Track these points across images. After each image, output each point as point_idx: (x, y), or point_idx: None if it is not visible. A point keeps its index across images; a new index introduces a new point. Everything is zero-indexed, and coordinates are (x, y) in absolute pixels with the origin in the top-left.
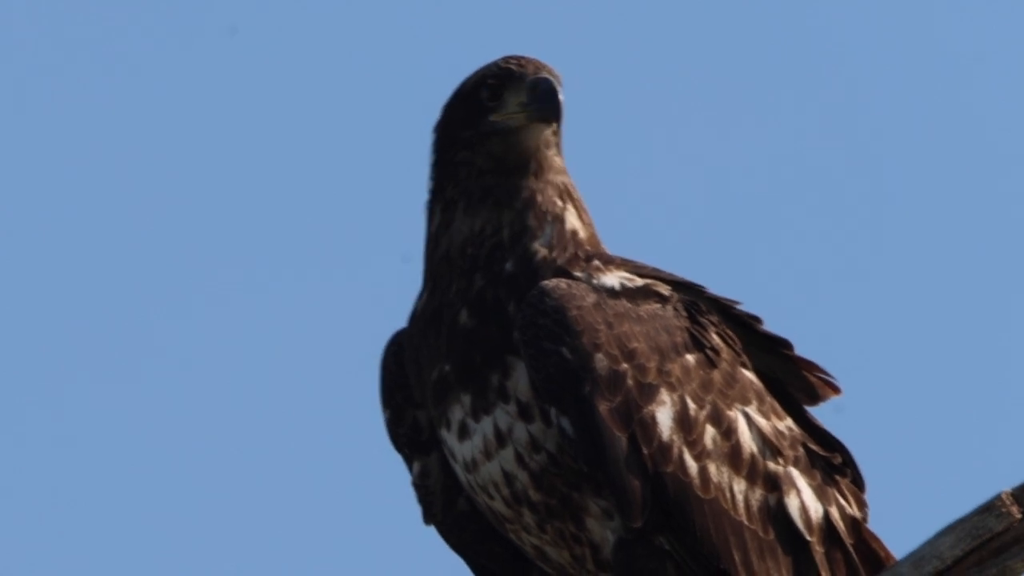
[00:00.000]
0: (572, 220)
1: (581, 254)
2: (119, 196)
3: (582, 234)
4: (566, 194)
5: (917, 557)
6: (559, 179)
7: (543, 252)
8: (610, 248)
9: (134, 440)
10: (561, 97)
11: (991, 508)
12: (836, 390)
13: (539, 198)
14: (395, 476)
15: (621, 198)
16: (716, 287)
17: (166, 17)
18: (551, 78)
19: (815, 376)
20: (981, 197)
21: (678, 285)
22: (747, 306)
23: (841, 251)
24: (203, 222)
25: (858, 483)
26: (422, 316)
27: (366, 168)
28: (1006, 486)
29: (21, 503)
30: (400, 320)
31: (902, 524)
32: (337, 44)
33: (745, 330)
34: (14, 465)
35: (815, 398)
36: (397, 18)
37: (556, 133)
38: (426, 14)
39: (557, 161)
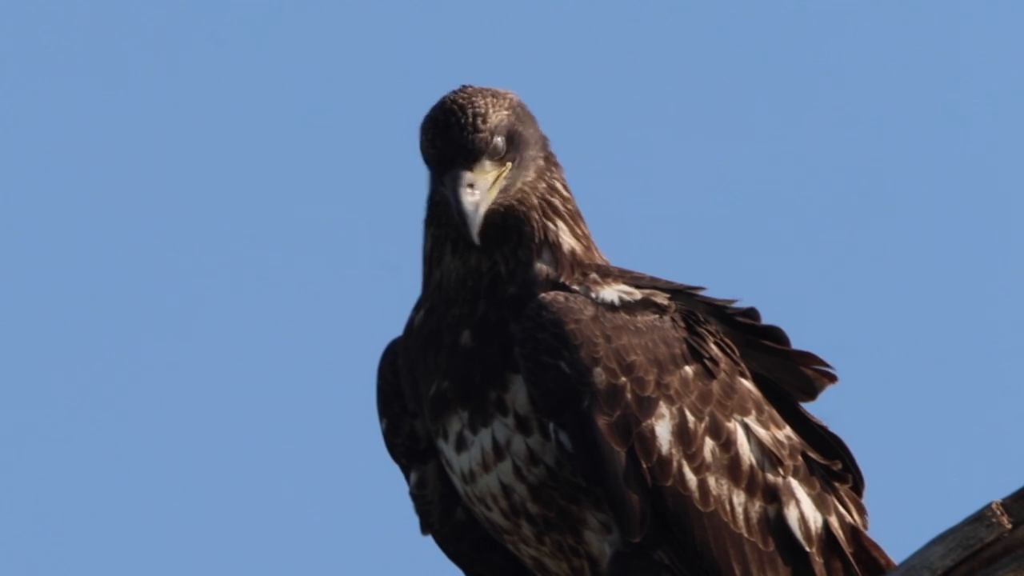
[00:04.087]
0: (567, 239)
1: (581, 269)
2: (119, 202)
3: (579, 251)
4: (552, 212)
5: (907, 567)
6: (536, 199)
7: (544, 273)
8: (607, 252)
9: (131, 445)
10: (469, 209)
11: (981, 518)
12: (832, 379)
13: (526, 229)
14: (393, 485)
15: (618, 200)
16: (715, 289)
17: (164, 24)
18: (459, 192)
19: (812, 369)
20: (978, 204)
21: (675, 293)
22: (745, 304)
23: (833, 260)
24: (200, 225)
25: (858, 486)
26: (419, 332)
27: (364, 175)
28: (997, 496)
29: (21, 503)
30: (397, 328)
31: (901, 531)
32: (337, 48)
33: (740, 330)
34: (14, 465)
35: (812, 392)
36: (394, 20)
37: (546, 158)
38: (422, 16)
39: (530, 180)
